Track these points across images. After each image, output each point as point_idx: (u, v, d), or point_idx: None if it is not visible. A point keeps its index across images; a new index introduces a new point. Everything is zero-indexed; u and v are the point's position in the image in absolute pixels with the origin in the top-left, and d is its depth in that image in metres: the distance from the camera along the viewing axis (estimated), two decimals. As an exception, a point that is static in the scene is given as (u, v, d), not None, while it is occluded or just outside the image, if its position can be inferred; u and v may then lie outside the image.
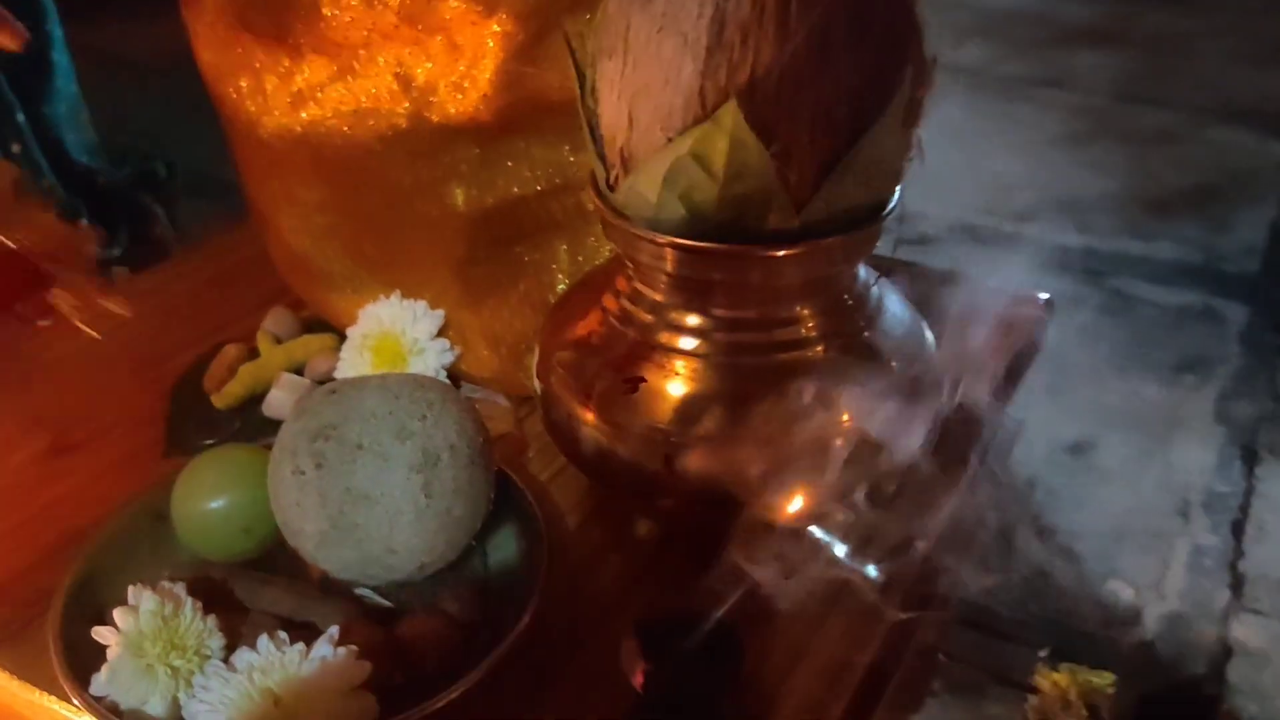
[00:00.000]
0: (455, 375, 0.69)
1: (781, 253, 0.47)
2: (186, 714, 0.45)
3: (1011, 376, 0.77)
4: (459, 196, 0.62)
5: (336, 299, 0.71)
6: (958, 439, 0.61)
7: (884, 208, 0.49)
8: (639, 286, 0.52)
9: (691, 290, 0.49)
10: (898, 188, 0.49)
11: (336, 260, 0.68)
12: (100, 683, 0.46)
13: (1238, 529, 1.02)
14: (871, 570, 0.58)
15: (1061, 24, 2.35)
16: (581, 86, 0.50)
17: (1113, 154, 1.79)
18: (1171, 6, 2.41)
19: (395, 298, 0.68)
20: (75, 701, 0.46)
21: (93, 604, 0.51)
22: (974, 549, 0.68)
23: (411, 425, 0.52)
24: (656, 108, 0.45)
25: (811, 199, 0.45)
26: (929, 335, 0.56)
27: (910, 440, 0.53)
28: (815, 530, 0.56)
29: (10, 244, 0.80)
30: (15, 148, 1.12)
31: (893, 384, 0.52)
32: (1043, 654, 0.89)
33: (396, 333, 0.68)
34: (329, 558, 0.51)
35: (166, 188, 1.48)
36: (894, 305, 0.54)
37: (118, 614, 0.47)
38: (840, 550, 0.55)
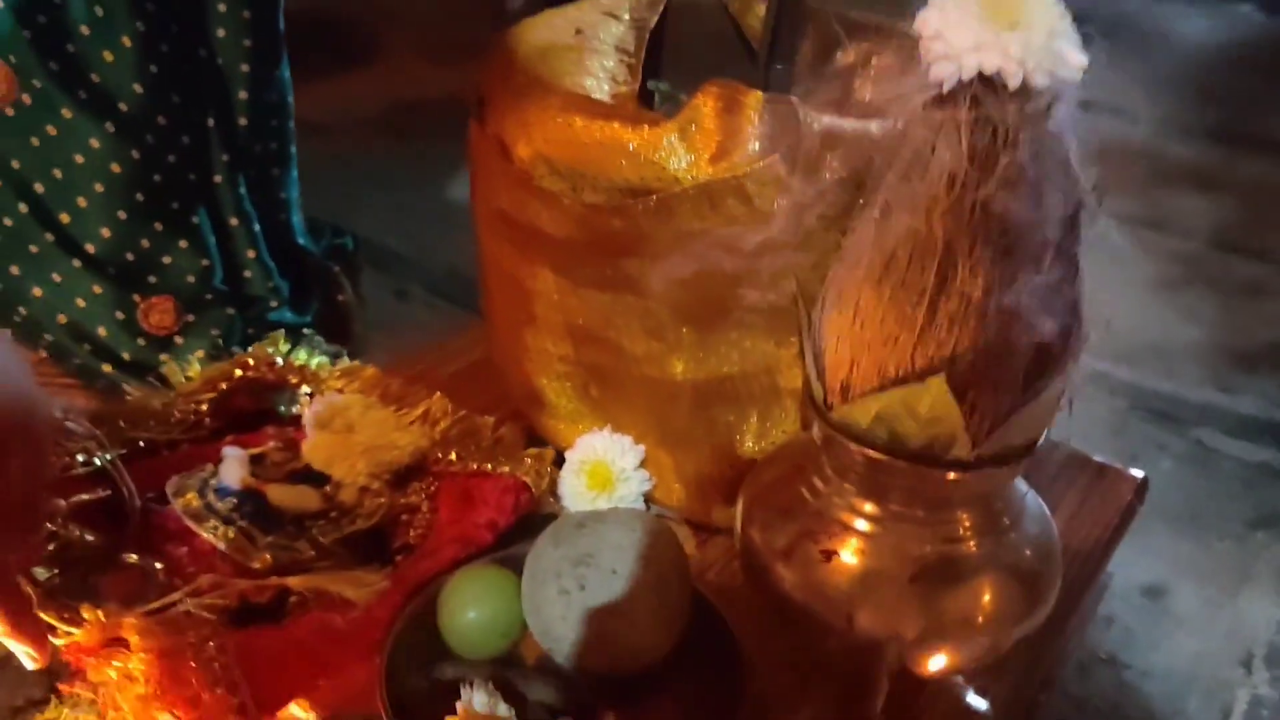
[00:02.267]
0: (649, 500, 0.84)
1: (955, 476, 0.61)
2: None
3: (1109, 546, 0.90)
4: (677, 367, 0.77)
5: (556, 424, 0.87)
6: (1063, 600, 0.74)
7: (1034, 445, 0.63)
8: (833, 475, 0.66)
9: (878, 489, 0.64)
10: (1047, 429, 0.64)
11: (565, 397, 0.84)
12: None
13: (1295, 687, 1.14)
14: (983, 705, 0.72)
15: (1168, 162, 2.46)
16: (808, 323, 0.65)
17: (1204, 302, 1.90)
18: (1272, 155, 2.51)
19: (607, 431, 0.84)
20: None
21: (395, 695, 0.66)
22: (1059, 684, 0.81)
23: (648, 554, 0.67)
24: (876, 360, 0.60)
25: (986, 441, 0.60)
26: (1054, 530, 0.70)
27: (1036, 619, 0.67)
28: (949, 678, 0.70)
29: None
30: (250, 254, 1.25)
31: (1026, 573, 0.66)
32: (1110, 781, 1.01)
33: (607, 461, 0.83)
34: (580, 657, 0.66)
35: (353, 260, 1.64)
36: (1033, 506, 0.68)
37: (461, 707, 0.62)
38: (972, 700, 0.69)
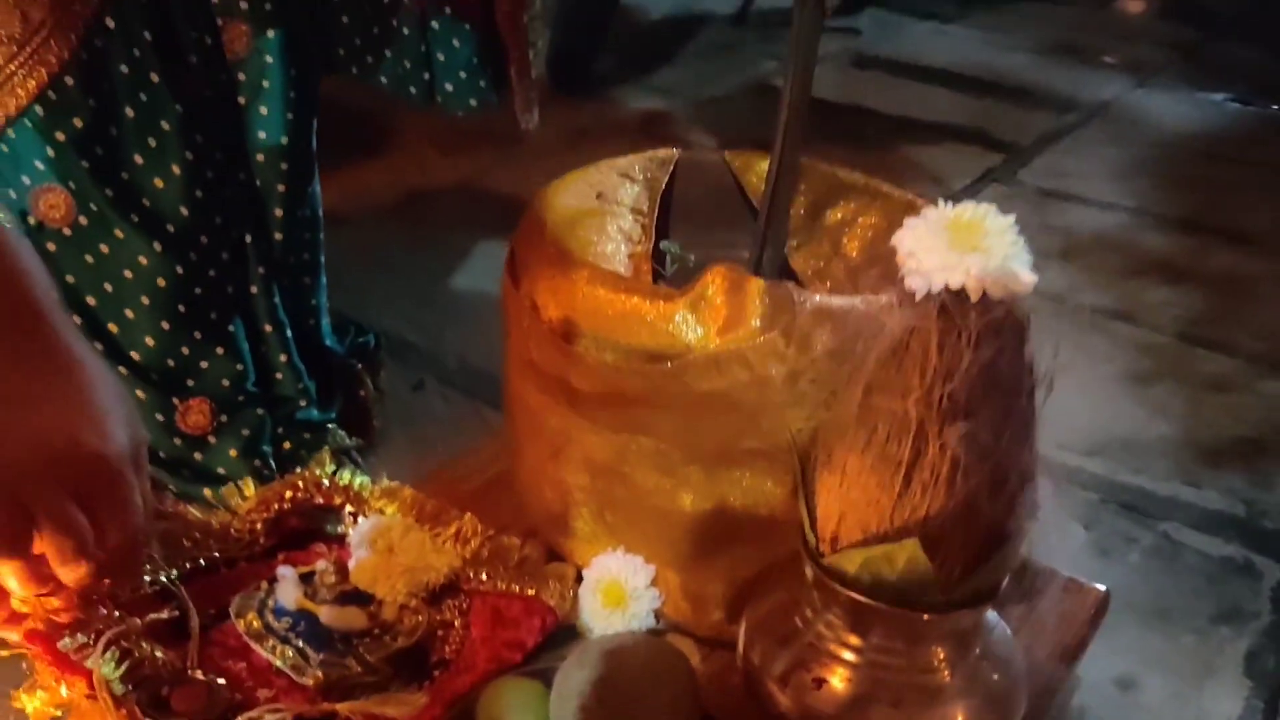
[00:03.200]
0: (658, 615, 0.94)
1: (927, 617, 0.71)
2: None
3: (1077, 651, 1.00)
4: (686, 500, 0.87)
5: (574, 543, 0.96)
6: (1034, 707, 0.83)
7: (997, 589, 0.73)
8: (823, 610, 0.76)
9: (863, 624, 0.73)
10: (1005, 578, 0.73)
11: (582, 521, 0.94)
12: None
13: (1252, 780, 1.22)
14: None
15: (1140, 253, 2.58)
16: (803, 476, 0.75)
17: (1173, 396, 2.00)
18: (1240, 247, 2.64)
19: (621, 552, 0.93)
20: None
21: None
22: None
23: (664, 678, 0.77)
24: (860, 518, 0.70)
25: (957, 588, 0.69)
26: (1018, 652, 0.79)
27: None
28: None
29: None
30: (283, 358, 1.36)
31: (994, 693, 0.75)
32: None
33: (621, 580, 0.92)
34: (599, 770, 0.75)
35: (375, 356, 1.73)
36: (998, 633, 0.78)
37: None
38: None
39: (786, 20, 0.87)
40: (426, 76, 1.42)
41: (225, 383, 1.29)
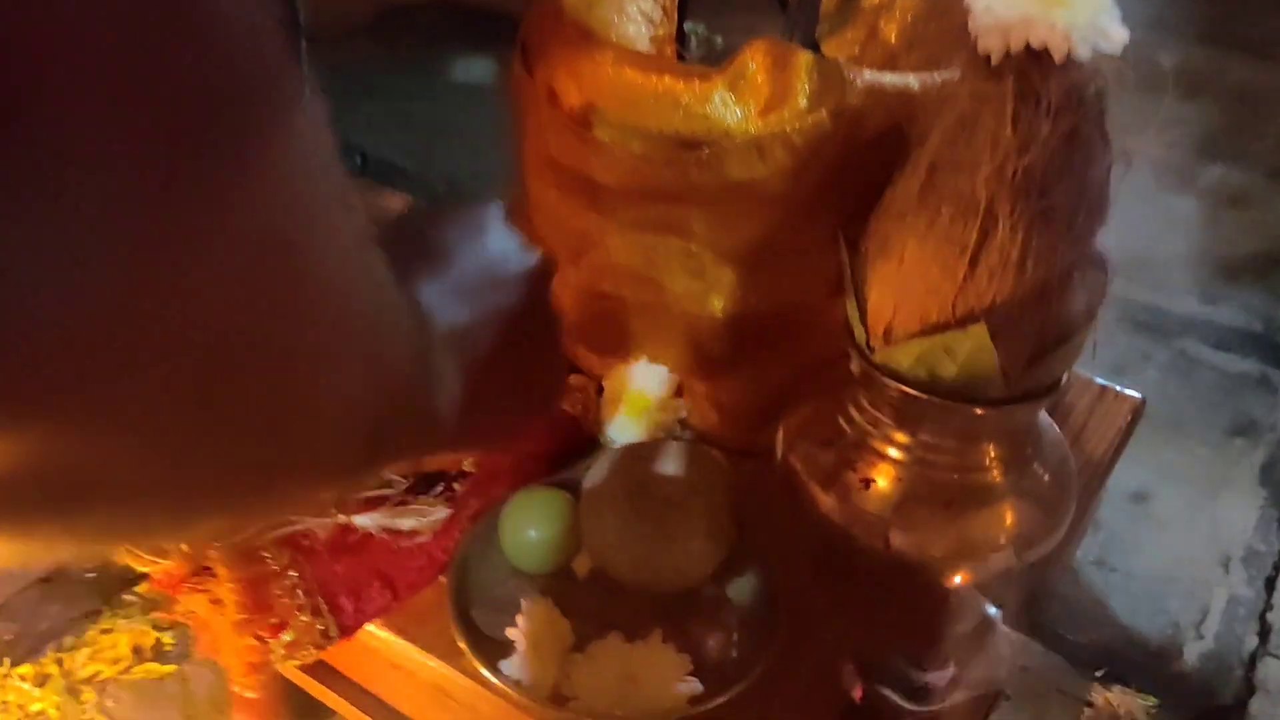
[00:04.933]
0: (684, 426, 0.90)
1: (985, 411, 0.66)
2: (565, 689, 0.67)
3: (1111, 462, 0.97)
4: (716, 305, 0.82)
5: (592, 355, 0.91)
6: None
7: (1060, 383, 0.68)
8: (871, 409, 0.71)
9: (913, 422, 0.69)
10: (1069, 370, 0.69)
11: (603, 330, 0.89)
12: (510, 666, 0.67)
13: (1270, 584, 1.22)
14: (996, 613, 0.79)
15: (1156, 66, 2.47)
16: (852, 267, 0.69)
17: (1189, 212, 1.95)
18: (1259, 59, 2.54)
19: (644, 361, 0.88)
20: (490, 677, 0.67)
21: (462, 610, 0.72)
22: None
23: (699, 484, 0.73)
24: (918, 307, 0.65)
25: (1019, 381, 0.65)
26: (1071, 460, 0.75)
27: (1052, 540, 0.73)
28: (971, 592, 0.76)
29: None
30: None
31: (1045, 499, 0.72)
32: (1099, 674, 1.10)
33: (644, 389, 0.88)
34: (633, 576, 0.72)
35: (360, 177, 1.66)
36: (1052, 438, 0.74)
37: (521, 619, 0.68)
38: (987, 608, 0.75)
39: None
40: None
41: None
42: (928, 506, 0.70)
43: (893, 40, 0.91)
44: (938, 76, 0.71)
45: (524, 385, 0.50)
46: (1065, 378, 0.69)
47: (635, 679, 0.67)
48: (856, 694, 0.68)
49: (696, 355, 0.86)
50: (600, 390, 0.90)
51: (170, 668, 1.07)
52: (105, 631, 1.08)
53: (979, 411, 0.67)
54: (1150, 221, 1.89)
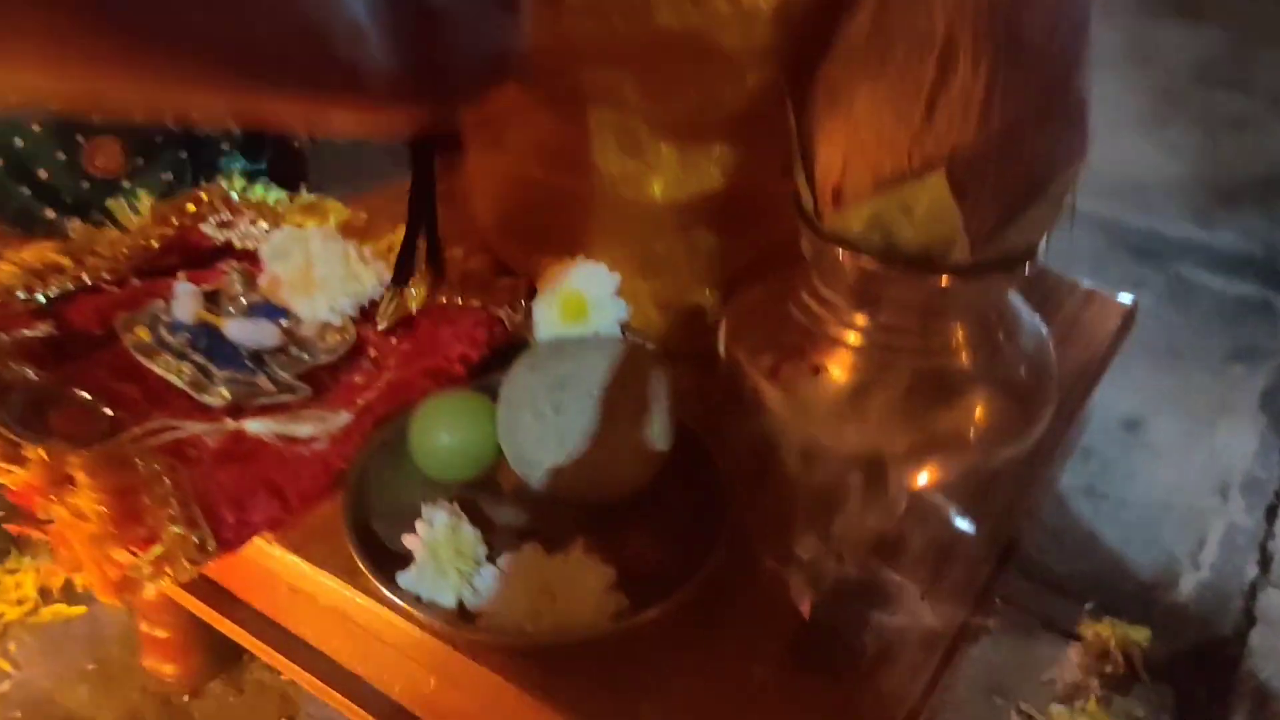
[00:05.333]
0: (625, 330, 0.81)
1: (950, 282, 0.58)
2: (472, 605, 0.58)
3: (1098, 371, 0.88)
4: (656, 188, 0.73)
5: (523, 254, 0.82)
6: (1051, 425, 0.72)
7: (1034, 250, 0.59)
8: (823, 289, 0.63)
9: (870, 300, 0.60)
10: (1046, 235, 0.60)
11: (533, 225, 0.80)
12: (409, 579, 0.59)
13: (1271, 512, 1.14)
14: (969, 528, 0.70)
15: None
16: (799, 129, 0.60)
17: (1187, 137, 1.86)
18: (1259, -14, 2.43)
19: (580, 260, 0.79)
20: (388, 594, 0.58)
21: (360, 520, 0.64)
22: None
23: (629, 379, 0.64)
24: (870, 162, 0.56)
25: (987, 245, 0.56)
26: (1050, 348, 0.67)
27: (1027, 438, 0.64)
28: (936, 498, 0.68)
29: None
30: None
31: (1019, 389, 0.63)
32: (1088, 606, 1.02)
33: (581, 290, 0.79)
34: (556, 483, 0.63)
35: None
36: (1028, 322, 0.65)
37: (420, 526, 0.60)
38: (959, 522, 0.67)
39: None
40: None
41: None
42: (887, 396, 0.61)
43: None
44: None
45: (474, 23, 0.43)
46: (1041, 247, 0.60)
47: (553, 593, 0.58)
48: (804, 609, 0.59)
49: (637, 248, 0.77)
50: (531, 292, 0.81)
51: (80, 609, 0.99)
52: (11, 572, 1.00)
53: (942, 282, 0.58)
54: (1148, 148, 1.80)
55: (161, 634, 0.91)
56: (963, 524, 0.71)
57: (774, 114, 0.67)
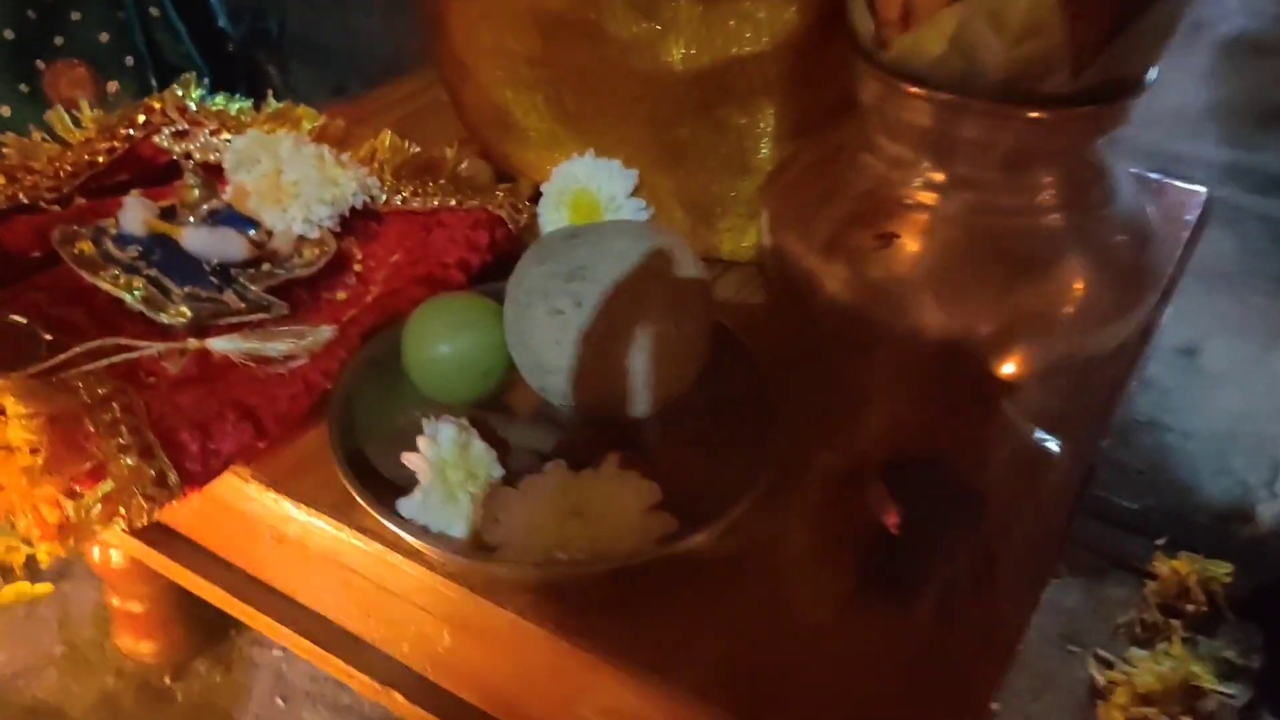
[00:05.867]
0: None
1: (1042, 116, 0.48)
2: (489, 535, 0.48)
3: (1182, 262, 0.78)
4: (675, 53, 0.63)
5: (527, 153, 0.72)
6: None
7: (1139, 84, 0.49)
8: (886, 141, 0.53)
9: (944, 148, 0.51)
10: (1156, 66, 0.50)
11: (535, 114, 0.70)
12: (412, 507, 0.49)
13: (1346, 434, 1.05)
14: (1055, 445, 0.60)
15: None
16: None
17: (1218, 64, 1.75)
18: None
19: (590, 155, 0.69)
20: (390, 525, 0.48)
21: (351, 447, 0.53)
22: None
23: (659, 268, 0.54)
24: (948, -36, 0.46)
25: (1092, 64, 0.46)
26: (1150, 216, 0.57)
27: (1131, 319, 0.54)
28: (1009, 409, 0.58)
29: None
30: (154, 11, 1.09)
31: (1121, 259, 0.53)
32: (1160, 542, 0.92)
33: (593, 189, 0.69)
34: (580, 394, 0.53)
35: (277, 47, 1.47)
36: (1125, 184, 0.55)
37: (422, 443, 0.50)
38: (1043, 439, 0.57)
39: None
40: None
41: (104, 37, 1.02)
42: (968, 263, 0.51)
43: None
44: None
45: None
46: (1151, 75, 0.50)
47: (584, 515, 0.48)
48: (891, 521, 0.49)
49: (655, 136, 0.67)
50: (536, 195, 0.71)
51: (45, 587, 0.89)
52: (-37, 550, 0.90)
53: (1039, 115, 0.48)
54: (1179, 75, 1.70)
55: (135, 608, 0.81)
56: (1048, 442, 0.60)
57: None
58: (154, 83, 1.05)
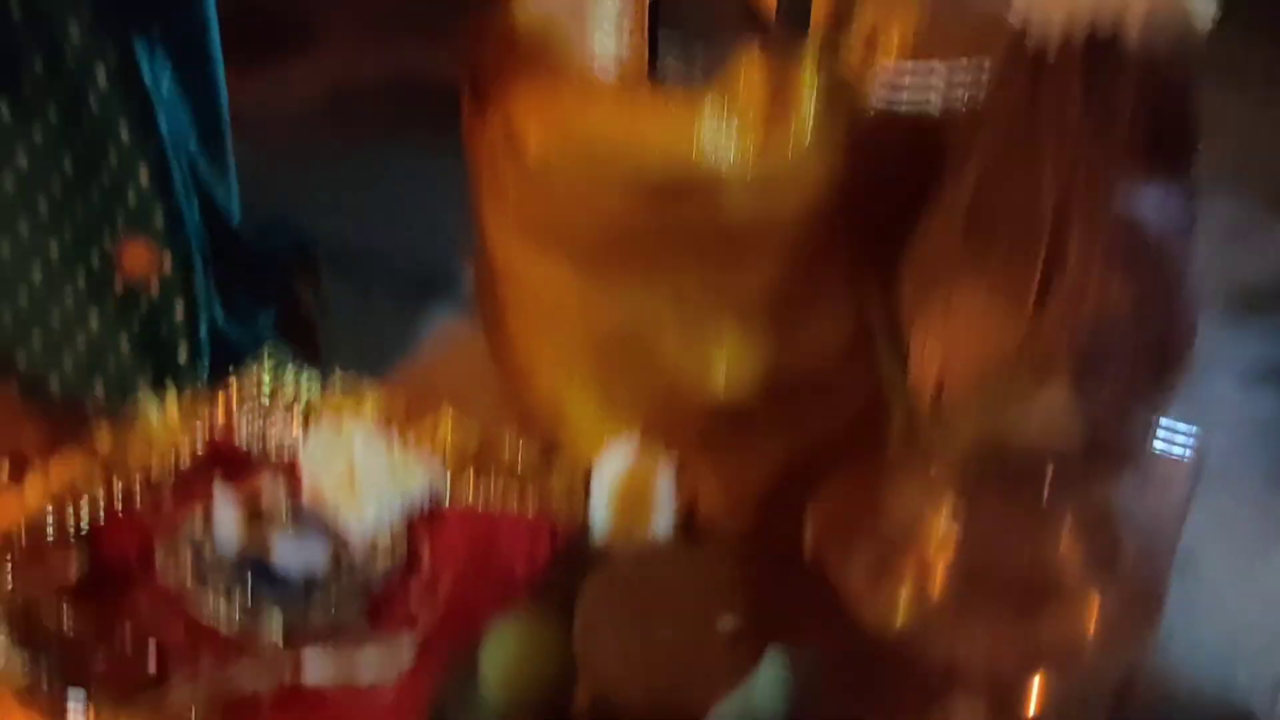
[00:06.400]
0: (687, 515, 0.76)
1: (1061, 469, 0.54)
2: None
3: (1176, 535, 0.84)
4: (719, 367, 0.69)
5: (575, 433, 0.77)
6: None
7: (1149, 436, 0.56)
8: (922, 485, 0.59)
9: (977, 496, 0.57)
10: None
11: (585, 404, 0.75)
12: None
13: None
14: None
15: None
16: (888, 319, 0.57)
17: (1198, 244, 1.84)
18: (1239, 91, 2.48)
19: (636, 441, 0.75)
20: None
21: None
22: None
23: (715, 592, 0.60)
24: (975, 355, 0.53)
25: (1107, 435, 0.53)
26: (1166, 541, 0.63)
27: (1148, 632, 0.60)
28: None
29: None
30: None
31: (1134, 582, 0.59)
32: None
33: (639, 475, 0.74)
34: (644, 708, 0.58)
35: (312, 263, 1.51)
36: (1134, 507, 0.62)
37: None
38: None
39: None
40: None
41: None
42: (995, 604, 0.57)
43: (894, 54, 0.80)
44: (966, 77, 0.60)
45: None
46: (1153, 428, 0.57)
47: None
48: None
49: (698, 428, 0.73)
50: (587, 480, 0.77)
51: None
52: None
53: (1052, 471, 0.54)
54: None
55: None
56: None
57: (844, 292, 0.64)
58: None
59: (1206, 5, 0.47)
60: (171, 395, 0.79)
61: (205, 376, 1.18)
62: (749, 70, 0.60)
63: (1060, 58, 0.48)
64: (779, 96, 0.59)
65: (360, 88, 2.32)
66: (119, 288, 1.11)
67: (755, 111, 0.60)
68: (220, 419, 0.79)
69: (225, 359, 1.24)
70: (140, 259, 1.12)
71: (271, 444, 0.78)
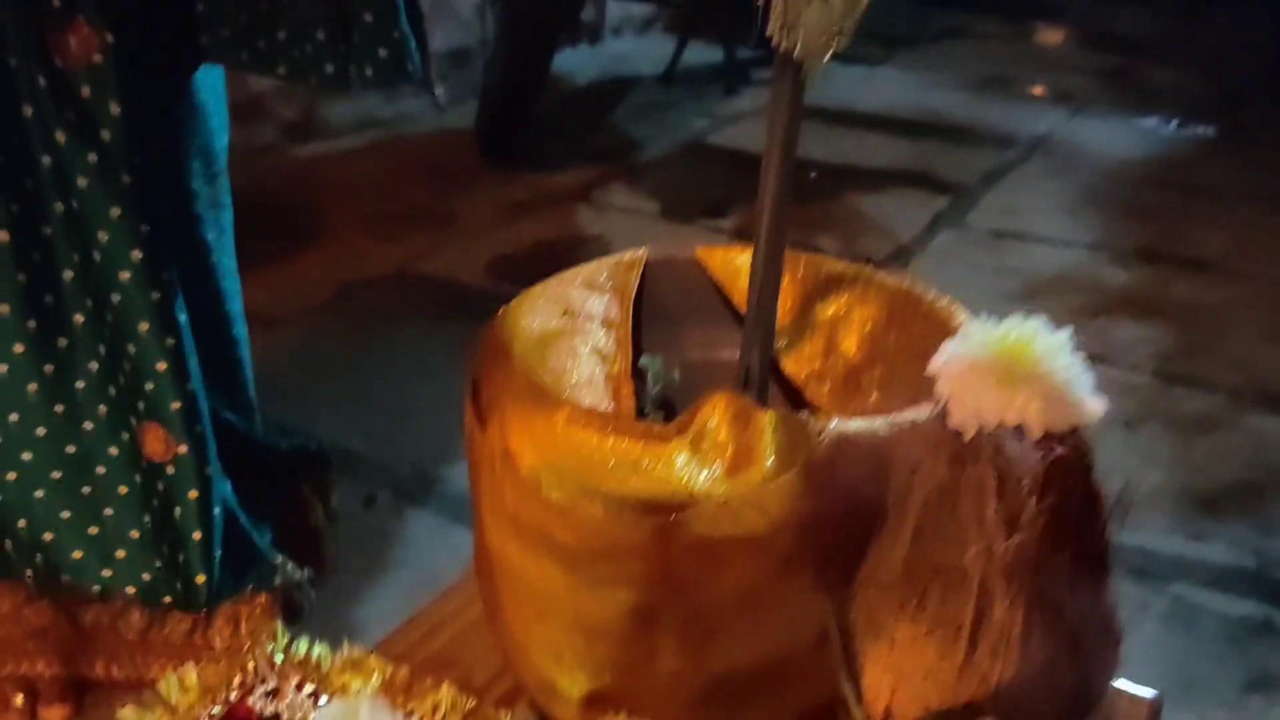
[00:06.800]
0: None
1: None
2: None
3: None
4: (697, 660, 0.76)
5: (566, 709, 0.84)
6: None
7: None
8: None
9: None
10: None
11: (578, 686, 0.82)
12: None
13: None
14: None
15: (1102, 290, 2.54)
16: (843, 645, 0.64)
17: (1160, 440, 1.94)
18: (1200, 274, 2.60)
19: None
20: None
21: None
22: None
23: None
24: (918, 692, 0.59)
25: None
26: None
27: None
28: None
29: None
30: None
31: None
32: None
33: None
34: None
35: (321, 468, 1.57)
36: None
37: None
38: None
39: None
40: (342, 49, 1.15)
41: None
42: None
43: (853, 353, 0.89)
44: (908, 417, 0.68)
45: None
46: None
47: None
48: None
49: (682, 710, 0.79)
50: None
51: None
52: None
53: None
54: (1125, 454, 1.87)
55: None
56: None
57: (807, 592, 0.71)
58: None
59: (1094, 401, 0.56)
60: (191, 668, 0.86)
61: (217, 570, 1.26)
62: (715, 411, 0.68)
63: (975, 440, 0.56)
64: (742, 437, 0.68)
65: (366, 281, 2.45)
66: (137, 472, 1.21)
67: (720, 450, 0.68)
68: (236, 689, 0.85)
69: (238, 556, 1.31)
70: (157, 443, 1.21)
71: (284, 713, 0.84)
